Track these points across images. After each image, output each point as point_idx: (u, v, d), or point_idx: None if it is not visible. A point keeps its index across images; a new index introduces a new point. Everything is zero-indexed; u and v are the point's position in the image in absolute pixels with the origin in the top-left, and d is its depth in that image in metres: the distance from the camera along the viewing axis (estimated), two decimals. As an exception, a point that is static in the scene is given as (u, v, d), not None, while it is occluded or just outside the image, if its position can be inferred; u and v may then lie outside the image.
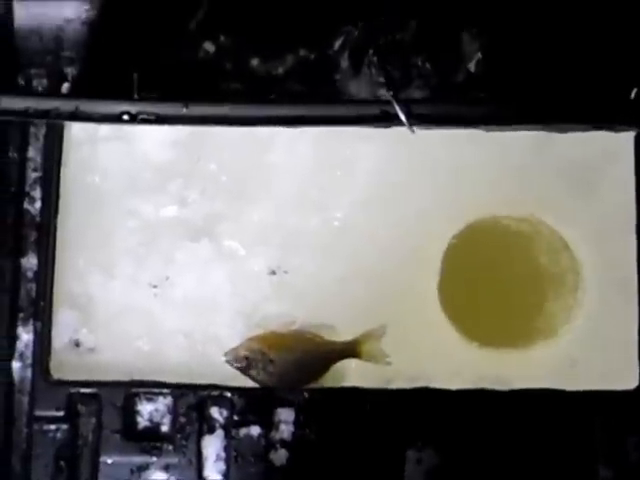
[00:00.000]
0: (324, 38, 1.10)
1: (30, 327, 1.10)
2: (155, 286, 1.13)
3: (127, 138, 1.14)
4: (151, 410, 1.10)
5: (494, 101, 1.06)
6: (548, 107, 1.03)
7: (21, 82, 1.12)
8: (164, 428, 1.10)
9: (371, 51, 1.08)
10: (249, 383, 1.09)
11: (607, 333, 1.13)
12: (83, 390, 1.09)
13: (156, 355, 1.11)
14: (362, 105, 1.05)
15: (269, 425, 1.09)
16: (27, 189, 1.12)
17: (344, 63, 1.09)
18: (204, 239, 1.13)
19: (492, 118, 1.04)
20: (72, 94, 1.11)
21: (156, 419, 1.10)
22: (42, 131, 1.13)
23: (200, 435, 1.09)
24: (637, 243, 1.13)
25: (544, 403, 1.09)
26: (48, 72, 1.12)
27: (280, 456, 1.09)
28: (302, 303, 1.12)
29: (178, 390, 1.09)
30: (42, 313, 1.10)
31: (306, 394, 1.09)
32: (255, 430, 1.09)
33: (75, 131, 1.14)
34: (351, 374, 1.10)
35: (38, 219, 1.12)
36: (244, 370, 1.08)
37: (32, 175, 1.12)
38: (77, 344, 1.12)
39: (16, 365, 1.10)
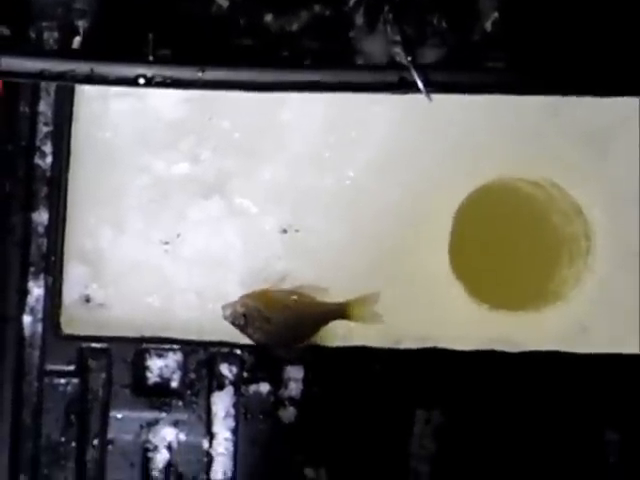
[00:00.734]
0: (339, -6, 1.09)
1: (41, 282, 1.10)
2: (166, 243, 1.13)
3: (139, 95, 1.14)
4: (161, 366, 1.10)
5: (511, 69, 1.05)
6: (564, 75, 1.02)
7: (32, 35, 1.11)
8: (174, 384, 1.10)
9: (386, 8, 1.07)
10: (259, 341, 1.09)
11: (617, 297, 1.13)
12: (93, 345, 1.10)
13: (166, 311, 1.11)
14: (379, 72, 1.04)
15: (278, 382, 1.09)
16: (38, 144, 1.12)
17: (359, 20, 1.07)
18: (215, 196, 1.13)
19: (508, 86, 1.04)
20: (84, 51, 1.10)
21: (166, 375, 1.10)
22: (53, 86, 1.12)
23: (209, 391, 1.10)
24: (649, 207, 1.13)
25: (553, 365, 1.09)
26: (59, 25, 1.11)
27: (289, 413, 1.10)
28: (313, 262, 1.12)
29: (188, 346, 1.10)
30: (53, 268, 1.10)
31: (313, 352, 1.09)
32: (264, 387, 1.10)
33: (87, 86, 1.13)
34: (360, 334, 1.11)
35: (49, 174, 1.11)
36: (242, 328, 1.07)
37: (43, 129, 1.12)
38: (87, 300, 1.12)
39: (27, 319, 1.10)
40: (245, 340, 1.09)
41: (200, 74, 1.01)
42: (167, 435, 1.10)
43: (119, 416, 1.10)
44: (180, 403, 1.10)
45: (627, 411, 1.09)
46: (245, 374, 1.10)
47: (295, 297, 1.09)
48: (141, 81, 1.00)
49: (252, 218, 1.13)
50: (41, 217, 1.11)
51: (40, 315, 1.10)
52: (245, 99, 1.13)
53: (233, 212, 1.13)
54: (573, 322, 1.13)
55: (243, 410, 1.10)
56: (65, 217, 1.12)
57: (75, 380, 1.10)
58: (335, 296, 1.09)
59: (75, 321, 1.11)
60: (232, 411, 1.10)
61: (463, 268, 1.13)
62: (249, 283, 1.11)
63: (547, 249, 1.15)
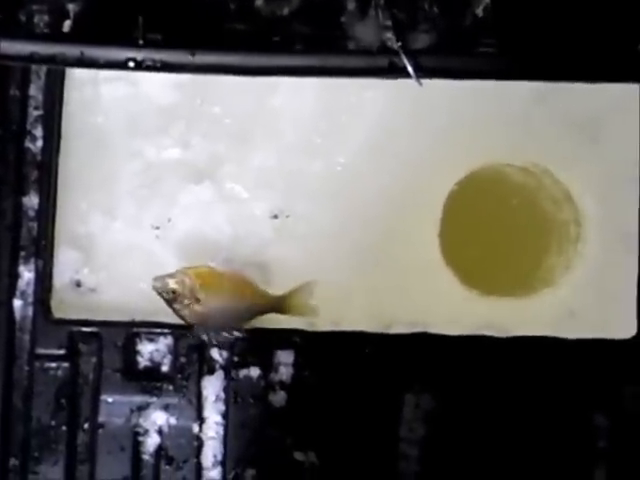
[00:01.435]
0: (331, -22, 1.08)
1: (31, 266, 1.10)
2: (157, 227, 1.13)
3: (130, 79, 1.13)
4: (152, 350, 1.10)
5: (502, 54, 1.05)
6: (555, 61, 1.02)
7: (22, 18, 1.10)
8: (164, 368, 1.10)
9: (378, -7, 1.07)
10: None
11: (606, 283, 1.13)
12: (84, 329, 1.10)
13: (157, 296, 1.10)
14: (370, 57, 1.04)
15: (269, 367, 1.10)
16: (28, 127, 1.11)
17: (350, 5, 1.07)
18: (206, 181, 1.13)
19: (499, 72, 1.04)
20: (75, 34, 1.10)
21: (157, 359, 1.10)
22: (43, 69, 1.12)
23: (200, 376, 1.10)
24: (640, 194, 1.13)
25: (542, 351, 1.10)
26: (50, 8, 1.11)
27: (279, 398, 1.10)
28: (303, 247, 1.12)
29: (178, 331, 1.10)
30: (43, 252, 1.10)
31: (304, 337, 1.10)
32: (255, 371, 1.10)
33: (77, 71, 1.13)
34: (350, 318, 1.11)
35: (39, 158, 1.11)
36: (168, 302, 1.05)
37: (33, 113, 1.12)
38: (78, 284, 1.12)
39: (17, 303, 1.10)
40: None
41: (190, 58, 1.01)
42: (157, 419, 1.10)
43: (110, 400, 1.10)
44: (171, 387, 1.10)
45: (615, 396, 1.10)
46: (235, 358, 1.10)
47: (234, 282, 1.06)
48: (131, 64, 1.00)
49: (243, 203, 1.13)
50: (31, 201, 1.11)
51: (31, 299, 1.10)
52: (236, 84, 1.13)
53: (224, 197, 1.13)
54: (562, 308, 1.13)
55: (233, 394, 1.10)
56: (56, 201, 1.11)
57: (66, 364, 1.10)
58: (326, 282, 1.09)
59: (66, 305, 1.11)
60: (222, 395, 1.10)
61: (453, 254, 1.13)
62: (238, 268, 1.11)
63: (537, 235, 1.16)
